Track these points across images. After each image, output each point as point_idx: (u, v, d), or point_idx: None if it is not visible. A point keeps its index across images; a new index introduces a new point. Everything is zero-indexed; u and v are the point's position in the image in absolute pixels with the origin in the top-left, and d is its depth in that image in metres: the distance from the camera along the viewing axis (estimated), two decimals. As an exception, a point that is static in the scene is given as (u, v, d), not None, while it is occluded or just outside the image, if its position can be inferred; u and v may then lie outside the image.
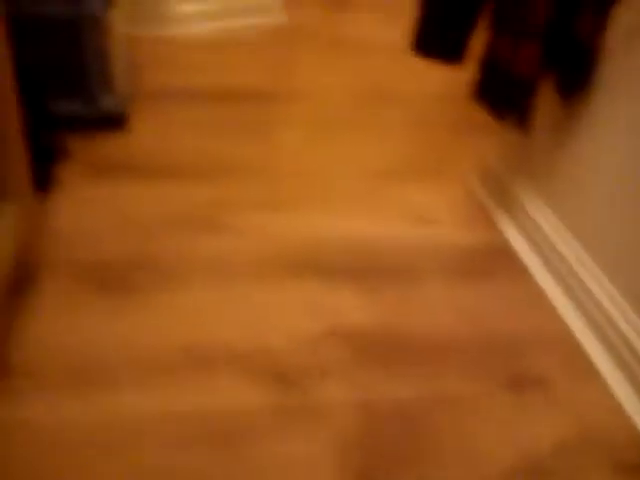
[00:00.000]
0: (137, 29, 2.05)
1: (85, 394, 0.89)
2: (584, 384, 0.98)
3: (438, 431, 0.88)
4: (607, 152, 1.06)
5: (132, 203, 1.30)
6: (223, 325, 1.03)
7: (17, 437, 0.82)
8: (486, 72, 1.25)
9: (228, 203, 1.33)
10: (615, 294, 1.02)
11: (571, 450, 0.87)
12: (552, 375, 0.99)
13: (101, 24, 1.42)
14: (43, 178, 1.28)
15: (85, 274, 1.11)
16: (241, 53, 2.04)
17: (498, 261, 1.25)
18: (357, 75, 1.96)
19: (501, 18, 1.19)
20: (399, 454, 0.84)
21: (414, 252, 1.25)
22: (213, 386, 0.92)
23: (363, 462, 0.83)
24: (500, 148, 1.42)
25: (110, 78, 1.48)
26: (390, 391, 0.94)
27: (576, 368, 1.01)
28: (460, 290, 1.16)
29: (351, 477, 0.81)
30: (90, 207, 1.28)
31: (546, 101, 1.21)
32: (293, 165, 1.50)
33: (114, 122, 1.54)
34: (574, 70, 1.12)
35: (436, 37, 1.34)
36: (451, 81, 1.95)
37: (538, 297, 1.17)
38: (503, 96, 1.22)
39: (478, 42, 1.27)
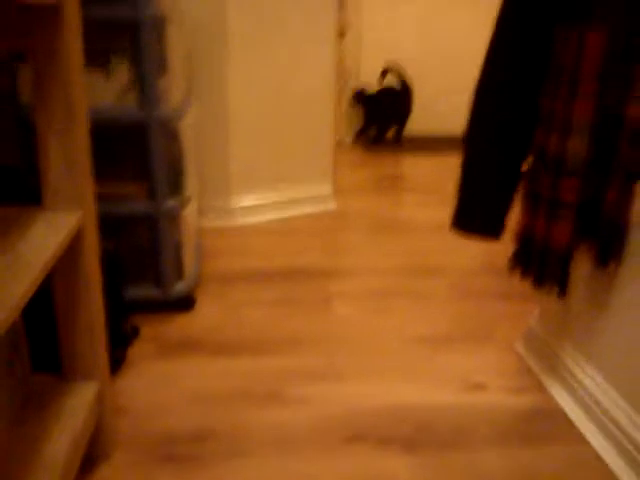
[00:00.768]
0: (203, 221, 2.30)
1: None
2: None
3: None
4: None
5: (198, 378, 1.40)
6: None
7: None
8: (522, 245, 1.36)
9: (289, 375, 1.42)
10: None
11: None
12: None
13: (176, 219, 1.62)
14: (115, 360, 1.40)
15: (154, 447, 1.18)
16: (298, 238, 2.24)
17: (550, 425, 1.27)
18: (403, 252, 2.12)
19: (535, 197, 1.31)
20: None
21: (466, 417, 1.28)
22: None
23: None
24: (542, 313, 1.49)
25: (181, 265, 1.66)
26: None
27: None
28: (514, 455, 1.18)
29: None
30: (158, 384, 1.38)
31: (582, 265, 1.28)
32: (349, 336, 1.59)
33: (183, 304, 1.70)
34: (606, 243, 1.20)
35: (476, 215, 1.47)
36: (491, 254, 2.08)
37: (595, 461, 1.16)
38: (540, 267, 1.32)
39: (513, 215, 1.40)
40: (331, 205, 2.59)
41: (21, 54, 1.35)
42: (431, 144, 3.72)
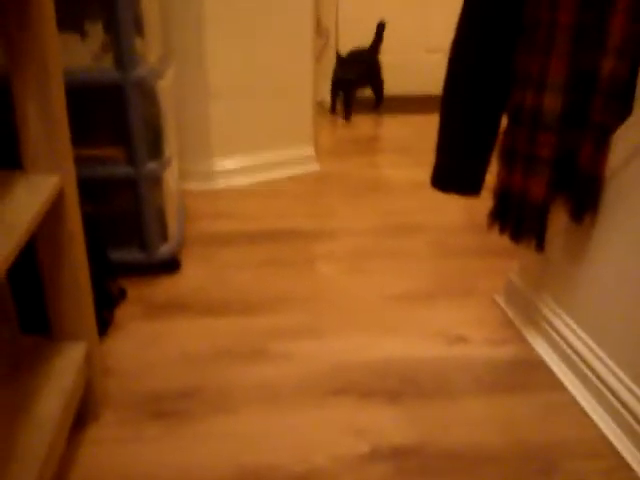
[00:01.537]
0: (185, 184, 2.29)
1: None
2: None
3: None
4: (618, 260, 1.15)
5: (184, 338, 1.42)
6: (270, 449, 1.10)
7: None
8: (500, 200, 1.38)
9: (274, 333, 1.44)
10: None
11: None
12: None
13: (157, 181, 1.62)
14: (103, 321, 1.42)
15: (142, 405, 1.20)
16: (280, 200, 2.24)
17: (530, 373, 1.31)
18: (384, 212, 2.13)
19: (511, 153, 1.33)
20: None
21: (448, 369, 1.32)
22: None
23: None
24: (521, 267, 1.52)
25: (165, 228, 1.66)
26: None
27: (616, 477, 1.04)
28: (495, 403, 1.21)
29: None
30: (145, 344, 1.40)
31: (559, 219, 1.31)
32: (333, 295, 1.61)
33: (168, 267, 1.70)
34: (581, 197, 1.22)
35: (454, 173, 1.49)
36: (470, 211, 2.10)
37: (572, 406, 1.21)
38: (518, 221, 1.34)
39: (491, 173, 1.42)
40: (314, 167, 2.59)
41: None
42: (411, 104, 3.69)
